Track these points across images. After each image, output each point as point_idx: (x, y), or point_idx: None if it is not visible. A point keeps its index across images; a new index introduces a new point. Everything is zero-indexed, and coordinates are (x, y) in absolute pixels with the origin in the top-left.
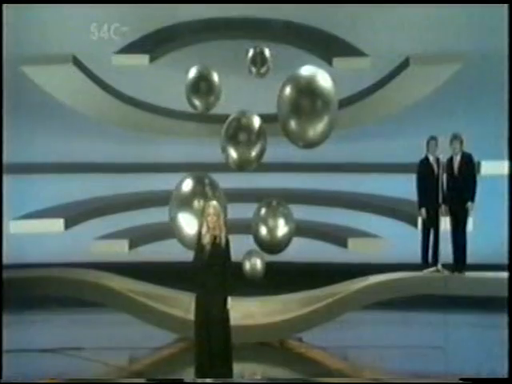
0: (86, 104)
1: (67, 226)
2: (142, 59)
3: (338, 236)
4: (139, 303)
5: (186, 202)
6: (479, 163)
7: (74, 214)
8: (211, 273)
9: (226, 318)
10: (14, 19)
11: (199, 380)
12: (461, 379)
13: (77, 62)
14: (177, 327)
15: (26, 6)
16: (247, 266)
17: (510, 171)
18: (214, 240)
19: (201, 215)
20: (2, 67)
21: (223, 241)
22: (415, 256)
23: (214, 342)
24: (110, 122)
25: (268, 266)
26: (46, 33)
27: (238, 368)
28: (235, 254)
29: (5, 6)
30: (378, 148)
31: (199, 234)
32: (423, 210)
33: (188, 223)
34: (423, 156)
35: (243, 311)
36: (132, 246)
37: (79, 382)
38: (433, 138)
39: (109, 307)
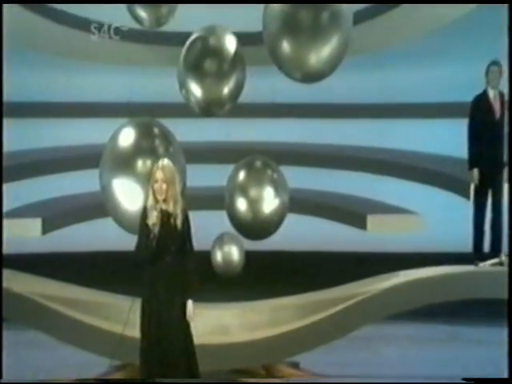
0: None
1: None
2: None
3: (351, 212)
4: (56, 313)
5: (125, 163)
6: None
7: None
8: (163, 267)
9: (187, 333)
10: None
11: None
12: (463, 379)
13: None
14: (113, 349)
15: None
16: (218, 256)
17: None
18: (165, 218)
19: (147, 182)
20: (1, 66)
21: (179, 219)
22: (465, 242)
23: (171, 371)
24: (17, 40)
25: (249, 257)
26: None
27: None
28: (201, 239)
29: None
30: (410, 81)
31: (144, 210)
32: (476, 172)
33: (128, 194)
34: (481, 91)
35: (213, 324)
36: (47, 227)
37: (84, 382)
38: (495, 64)
39: (11, 321)
